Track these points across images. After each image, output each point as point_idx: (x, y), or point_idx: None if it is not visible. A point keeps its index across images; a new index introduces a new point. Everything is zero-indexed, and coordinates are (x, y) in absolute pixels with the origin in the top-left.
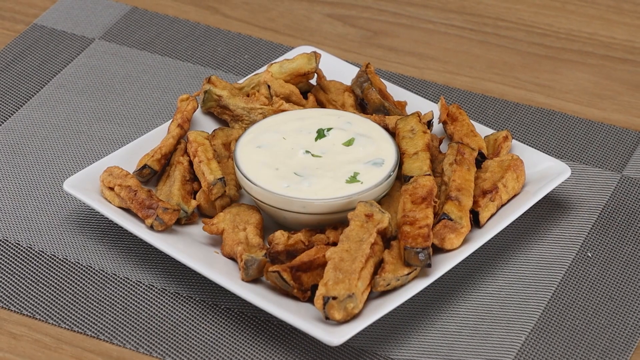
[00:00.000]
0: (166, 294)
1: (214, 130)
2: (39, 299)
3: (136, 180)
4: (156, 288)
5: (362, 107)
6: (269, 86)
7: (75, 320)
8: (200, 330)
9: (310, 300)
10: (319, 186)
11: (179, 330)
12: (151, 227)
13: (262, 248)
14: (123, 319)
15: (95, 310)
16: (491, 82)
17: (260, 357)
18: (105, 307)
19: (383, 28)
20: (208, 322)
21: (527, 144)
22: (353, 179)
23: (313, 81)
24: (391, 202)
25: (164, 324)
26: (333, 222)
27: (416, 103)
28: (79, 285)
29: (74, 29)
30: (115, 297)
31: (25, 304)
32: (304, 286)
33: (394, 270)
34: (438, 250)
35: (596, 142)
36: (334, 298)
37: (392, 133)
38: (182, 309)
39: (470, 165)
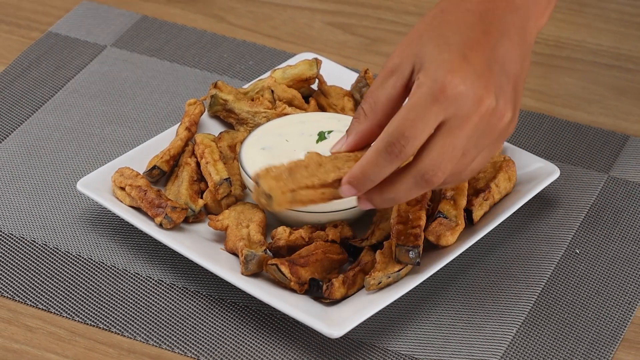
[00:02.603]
0: (174, 289)
1: (220, 133)
2: (53, 294)
3: (146, 181)
4: (165, 283)
5: None
6: (272, 91)
7: (88, 314)
8: (207, 323)
9: (308, 293)
10: None
11: (187, 323)
12: (160, 225)
13: (263, 245)
14: (134, 313)
15: (107, 304)
16: None
17: (264, 349)
18: (116, 301)
19: (381, 36)
20: (214, 315)
21: (518, 146)
22: None
23: (314, 86)
24: None
25: (173, 318)
26: (333, 220)
27: None
28: (91, 280)
29: (87, 36)
30: (126, 291)
31: (41, 298)
32: (301, 279)
33: (384, 269)
34: (434, 246)
35: (584, 144)
36: (257, 184)
37: None
38: (189, 303)
39: None
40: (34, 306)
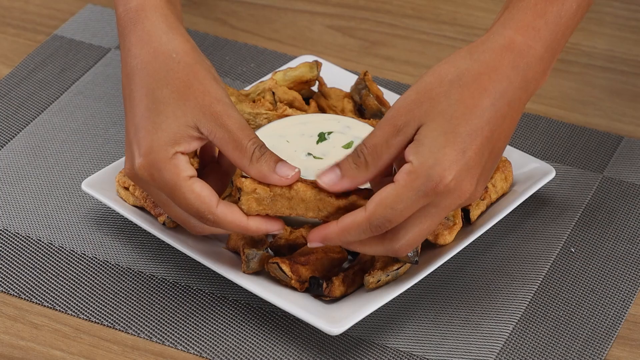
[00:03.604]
0: (177, 287)
1: None
2: (58, 292)
3: None
4: (168, 281)
5: (361, 112)
6: (273, 93)
7: (93, 311)
8: (209, 320)
9: (309, 291)
10: None
11: (190, 320)
12: (163, 224)
13: (264, 244)
14: (137, 310)
15: (111, 302)
16: None
17: (265, 346)
18: (120, 299)
19: (380, 39)
20: (216, 312)
21: (514, 147)
22: None
23: (315, 88)
24: None
25: (176, 315)
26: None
27: None
28: (96, 278)
29: (92, 39)
30: (130, 289)
31: (46, 296)
32: (302, 278)
33: (383, 267)
34: (432, 245)
35: (579, 144)
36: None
37: None
38: (192, 300)
39: None
40: (39, 304)
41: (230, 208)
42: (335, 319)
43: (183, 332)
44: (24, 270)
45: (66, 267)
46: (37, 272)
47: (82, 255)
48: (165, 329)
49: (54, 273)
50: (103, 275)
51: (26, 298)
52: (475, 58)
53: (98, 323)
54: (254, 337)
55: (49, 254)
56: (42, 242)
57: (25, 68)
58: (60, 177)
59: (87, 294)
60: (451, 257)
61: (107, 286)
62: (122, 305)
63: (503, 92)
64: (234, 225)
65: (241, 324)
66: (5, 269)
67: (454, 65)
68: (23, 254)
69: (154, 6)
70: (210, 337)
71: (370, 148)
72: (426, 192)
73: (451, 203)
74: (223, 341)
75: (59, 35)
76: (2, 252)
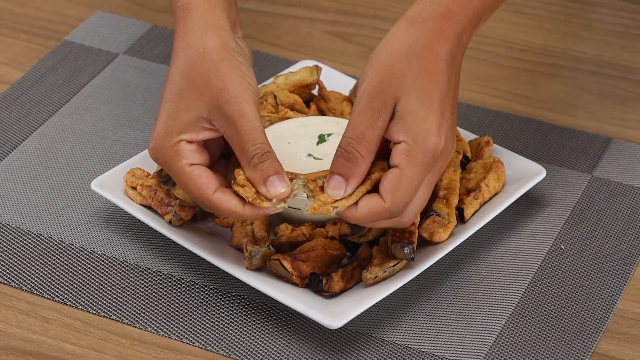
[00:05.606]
0: (183, 283)
1: None
2: (69, 287)
3: (156, 181)
4: (174, 277)
5: None
6: (275, 96)
7: (102, 306)
8: (214, 314)
9: (309, 286)
10: None
11: (194, 315)
12: (170, 223)
13: (266, 241)
14: (144, 305)
15: (119, 297)
16: (474, 92)
17: (267, 339)
18: (128, 294)
19: (378, 44)
20: (220, 307)
21: (506, 148)
22: None
23: (315, 92)
24: None
25: (181, 309)
26: (332, 218)
27: None
28: (105, 274)
29: (101, 44)
30: (138, 285)
31: (57, 292)
32: (302, 274)
33: (380, 264)
34: (427, 243)
35: (569, 146)
36: (234, 179)
37: None
38: (197, 296)
39: (456, 167)
40: (50, 299)
41: (227, 195)
42: (335, 313)
43: (188, 326)
44: (35, 267)
45: (76, 263)
46: (48, 269)
47: (92, 252)
48: (172, 323)
49: (64, 269)
50: (111, 271)
51: (38, 293)
52: (418, 27)
53: (107, 317)
54: (257, 330)
55: (59, 251)
56: (53, 239)
57: (36, 72)
58: (70, 177)
59: (96, 290)
60: (446, 254)
61: (115, 282)
62: (130, 300)
63: (451, 52)
64: (229, 213)
65: (244, 319)
66: (17, 266)
67: (401, 38)
68: (35, 251)
69: (197, 3)
70: (215, 331)
71: (359, 136)
72: (428, 163)
73: (442, 165)
74: (227, 335)
75: (69, 40)
76: (15, 249)
